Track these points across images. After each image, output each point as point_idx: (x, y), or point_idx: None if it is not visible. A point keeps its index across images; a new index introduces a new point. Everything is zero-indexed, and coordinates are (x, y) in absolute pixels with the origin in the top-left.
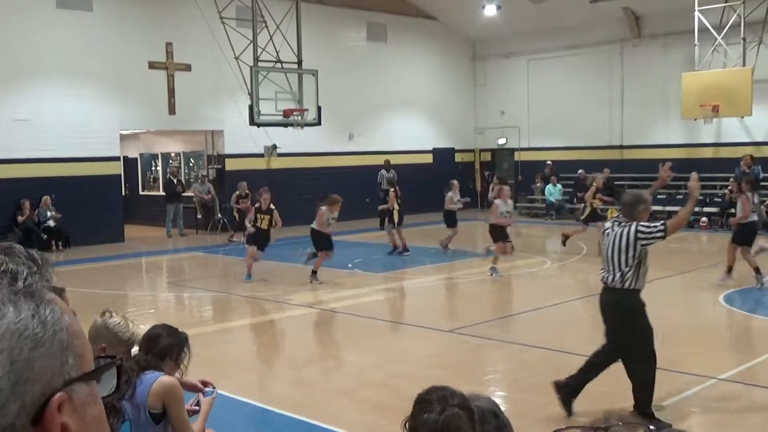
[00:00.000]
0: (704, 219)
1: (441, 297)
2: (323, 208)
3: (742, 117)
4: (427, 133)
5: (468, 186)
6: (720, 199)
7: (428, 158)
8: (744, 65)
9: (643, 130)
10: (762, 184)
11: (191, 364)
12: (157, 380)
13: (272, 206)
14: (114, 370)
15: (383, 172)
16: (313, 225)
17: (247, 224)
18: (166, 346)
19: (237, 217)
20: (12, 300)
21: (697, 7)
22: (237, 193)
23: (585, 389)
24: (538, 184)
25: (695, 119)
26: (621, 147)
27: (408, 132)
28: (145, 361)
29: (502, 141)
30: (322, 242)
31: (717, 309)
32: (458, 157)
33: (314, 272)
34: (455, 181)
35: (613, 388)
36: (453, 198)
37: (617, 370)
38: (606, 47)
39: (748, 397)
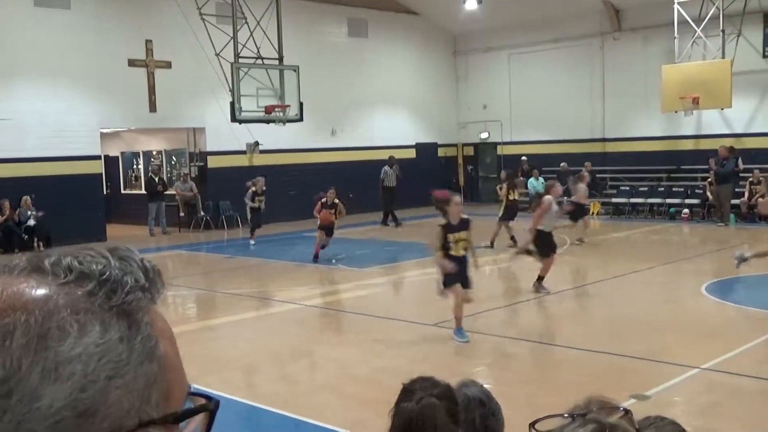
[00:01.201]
0: (686, 211)
1: (426, 291)
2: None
3: (722, 109)
4: (410, 128)
5: (451, 180)
6: (701, 191)
7: (411, 153)
8: (723, 57)
9: (624, 123)
10: (741, 175)
11: None
12: None
13: (336, 200)
14: (205, 414)
15: (386, 168)
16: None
17: (316, 215)
18: None
19: (250, 216)
20: (102, 316)
21: (676, 0)
22: (253, 189)
23: (568, 380)
24: (521, 178)
25: (675, 112)
26: (603, 140)
27: (390, 127)
28: None
29: (484, 135)
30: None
31: (699, 299)
32: (441, 152)
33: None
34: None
35: (597, 377)
36: (582, 190)
37: (599, 359)
38: (587, 41)
39: (731, 386)
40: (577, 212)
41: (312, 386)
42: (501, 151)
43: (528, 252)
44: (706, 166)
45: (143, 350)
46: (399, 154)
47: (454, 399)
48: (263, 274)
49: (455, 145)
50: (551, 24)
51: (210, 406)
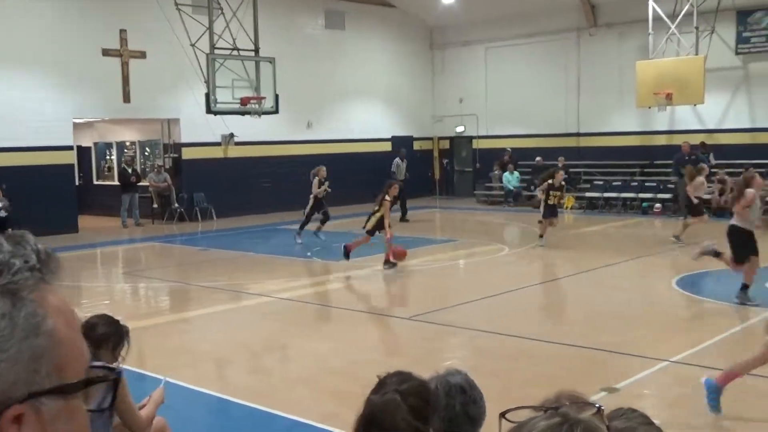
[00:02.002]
0: (658, 205)
1: (400, 284)
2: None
3: (695, 105)
4: (386, 121)
5: (427, 174)
6: (673, 186)
7: (387, 146)
8: (697, 54)
9: (599, 118)
10: (713, 170)
11: (149, 354)
12: None
13: (563, 183)
14: (108, 384)
15: (398, 160)
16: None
17: (539, 193)
18: (103, 334)
19: (312, 208)
20: None
21: None
22: (318, 179)
23: (539, 373)
24: (496, 172)
25: (649, 107)
26: (578, 135)
27: (366, 120)
28: None
29: (460, 129)
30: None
31: (670, 293)
32: (417, 145)
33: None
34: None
35: (568, 371)
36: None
37: (571, 352)
38: (563, 36)
39: (700, 378)
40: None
41: (286, 379)
42: (476, 144)
43: (716, 254)
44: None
45: (27, 325)
46: (375, 147)
47: (424, 396)
48: (238, 267)
49: (431, 139)
50: (528, 18)
51: (110, 377)
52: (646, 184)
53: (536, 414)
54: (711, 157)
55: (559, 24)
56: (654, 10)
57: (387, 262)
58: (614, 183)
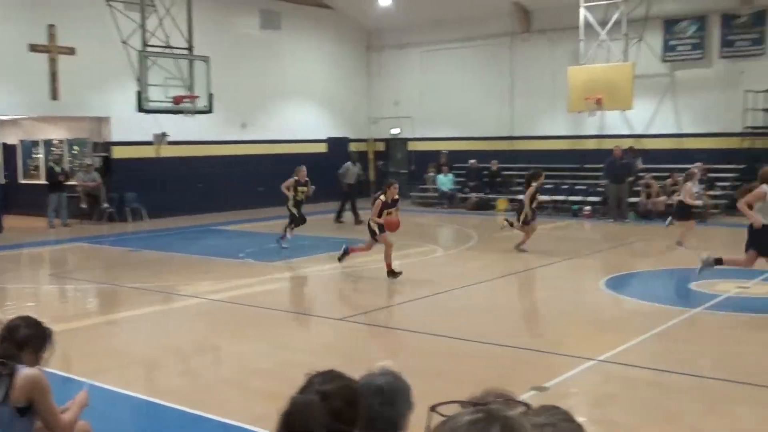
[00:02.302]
0: (588, 207)
1: (333, 286)
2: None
3: (624, 110)
4: (322, 123)
5: (362, 174)
6: (603, 189)
7: (322, 147)
8: (626, 61)
9: (532, 122)
10: (640, 174)
11: (75, 357)
12: (21, 374)
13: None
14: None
15: (349, 164)
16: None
17: (527, 199)
18: (25, 336)
19: (295, 208)
20: None
21: (582, 4)
22: (295, 178)
23: (471, 372)
24: (431, 174)
25: (580, 112)
26: (511, 138)
27: (302, 121)
28: (2, 348)
29: (395, 131)
30: None
31: (598, 294)
32: (352, 147)
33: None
34: (696, 169)
35: (499, 370)
36: (692, 189)
37: (502, 352)
38: (497, 40)
39: (626, 377)
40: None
41: (215, 381)
42: (411, 147)
43: (718, 262)
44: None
45: None
46: (310, 149)
47: (350, 398)
48: (168, 268)
49: (366, 140)
50: (463, 23)
51: (3, 372)
52: (576, 187)
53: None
54: (639, 161)
55: (494, 29)
56: (585, 17)
57: (391, 273)
58: (546, 186)
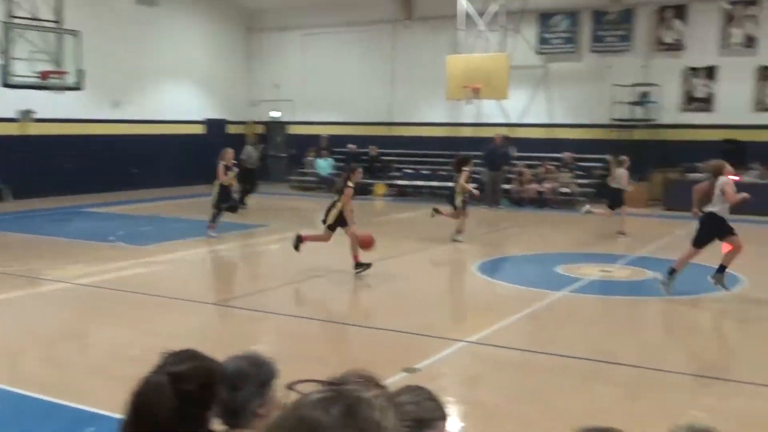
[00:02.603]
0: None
1: (208, 269)
2: None
3: (500, 100)
4: (199, 104)
5: (238, 158)
6: (478, 176)
7: (200, 129)
8: (503, 52)
9: (412, 108)
10: (513, 162)
11: None
12: None
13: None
14: None
15: (249, 147)
16: None
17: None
18: None
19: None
20: None
21: None
22: (224, 163)
23: (343, 355)
24: (311, 158)
25: (458, 100)
26: (391, 124)
27: (179, 102)
28: None
29: (275, 114)
30: None
31: (470, 277)
32: (231, 129)
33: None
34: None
35: (371, 352)
36: (623, 176)
37: (375, 335)
38: (379, 26)
39: (494, 357)
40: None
41: (80, 369)
42: (291, 130)
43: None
44: (483, 153)
45: None
46: (187, 130)
47: (206, 380)
48: (33, 252)
49: (245, 123)
50: (346, 7)
51: None
52: (454, 173)
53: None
54: (513, 149)
55: (376, 14)
56: (465, 6)
57: (358, 264)
58: (423, 172)
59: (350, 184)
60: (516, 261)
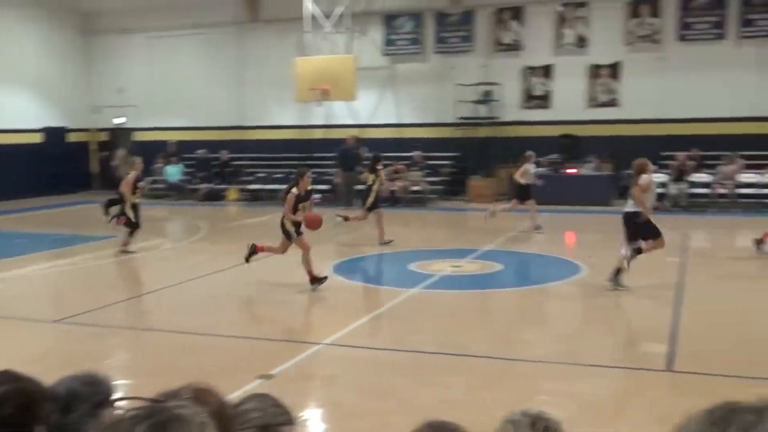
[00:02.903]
0: (317, 195)
1: (51, 285)
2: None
3: (349, 101)
4: (36, 111)
5: (83, 167)
6: (331, 177)
7: (37, 138)
8: (350, 53)
9: (262, 112)
10: (364, 162)
11: None
12: None
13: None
14: None
15: (120, 152)
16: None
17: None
18: None
19: (132, 211)
20: None
21: None
22: (136, 173)
23: (196, 366)
24: (159, 165)
25: (307, 102)
26: (241, 128)
27: (13, 110)
28: None
29: (120, 120)
30: None
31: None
32: (72, 137)
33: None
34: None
35: (224, 362)
36: (531, 171)
37: (229, 344)
38: (226, 28)
39: (348, 357)
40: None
41: None
42: (138, 137)
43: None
44: (335, 154)
45: None
46: (24, 139)
47: (22, 402)
48: None
49: (88, 130)
50: (190, 9)
51: None
52: None
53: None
54: (363, 150)
55: (222, 16)
56: (311, 9)
57: (314, 280)
58: (276, 175)
59: (294, 191)
60: (371, 260)
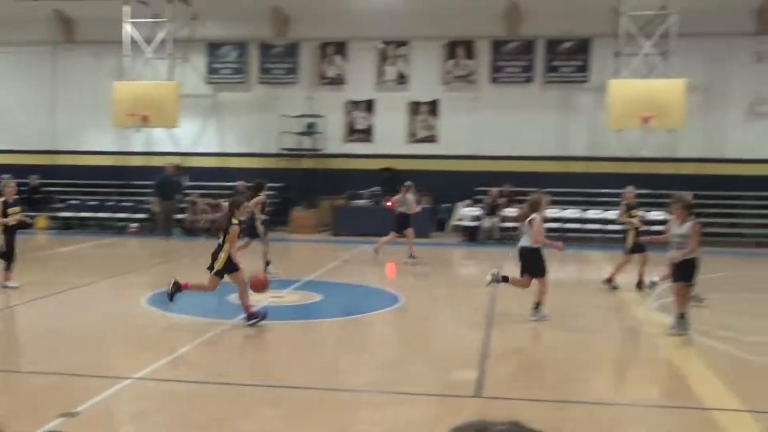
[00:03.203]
0: (134, 224)
1: None
2: None
3: (170, 128)
4: None
5: None
6: (149, 206)
7: None
8: (172, 80)
9: (76, 136)
10: (186, 192)
11: None
12: None
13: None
14: None
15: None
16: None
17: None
18: None
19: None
20: None
21: (127, 19)
22: (3, 199)
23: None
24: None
25: (126, 128)
26: (53, 152)
27: None
28: None
29: None
30: None
31: (140, 310)
32: None
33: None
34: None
35: (24, 400)
36: (410, 201)
37: (28, 381)
38: (38, 48)
39: (162, 392)
40: None
41: None
42: None
43: (504, 279)
44: (154, 182)
45: None
46: None
47: None
48: None
49: None
50: (0, 26)
51: None
52: (123, 203)
53: None
54: (185, 178)
55: (34, 36)
56: (130, 32)
57: (251, 316)
58: (90, 203)
59: (234, 221)
60: (187, 292)
